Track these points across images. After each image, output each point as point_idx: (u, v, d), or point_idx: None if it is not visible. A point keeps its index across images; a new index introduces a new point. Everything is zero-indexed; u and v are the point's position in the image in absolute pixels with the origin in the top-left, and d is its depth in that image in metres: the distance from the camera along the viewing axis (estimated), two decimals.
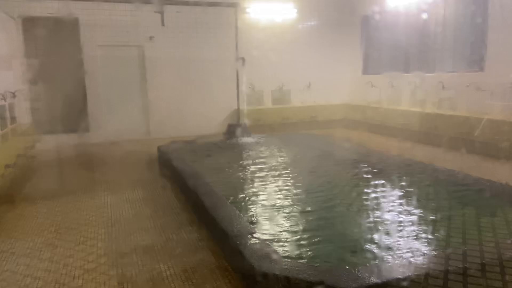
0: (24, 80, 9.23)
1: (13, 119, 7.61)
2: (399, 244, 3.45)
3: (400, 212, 4.25)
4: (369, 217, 4.18)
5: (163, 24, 9.47)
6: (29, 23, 9.45)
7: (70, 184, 6.69)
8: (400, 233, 3.72)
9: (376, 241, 3.53)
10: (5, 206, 5.40)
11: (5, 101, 7.11)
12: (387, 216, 4.17)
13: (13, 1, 8.66)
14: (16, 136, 7.57)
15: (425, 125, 8.71)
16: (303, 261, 3.22)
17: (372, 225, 3.94)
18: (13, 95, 7.75)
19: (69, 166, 8.08)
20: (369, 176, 5.70)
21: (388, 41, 10.74)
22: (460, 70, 8.75)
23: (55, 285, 3.25)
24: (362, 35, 11.94)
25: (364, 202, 4.68)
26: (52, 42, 9.47)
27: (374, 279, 2.49)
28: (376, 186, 5.24)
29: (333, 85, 12.32)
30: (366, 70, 12.12)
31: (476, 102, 8.01)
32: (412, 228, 3.84)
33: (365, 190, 5.06)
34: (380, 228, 3.86)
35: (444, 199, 4.58)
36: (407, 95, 9.91)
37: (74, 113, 10.12)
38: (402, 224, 3.91)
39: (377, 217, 4.13)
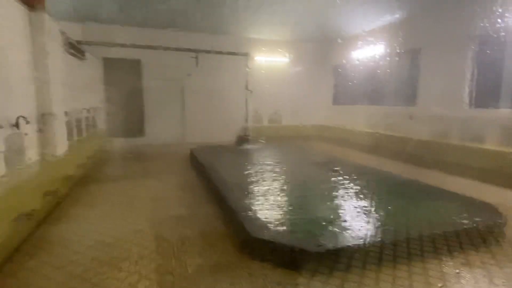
0: (103, 100, 10.44)
1: (94, 126, 8.86)
2: None
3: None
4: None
5: (197, 66, 10.50)
6: (107, 62, 10.78)
7: (129, 171, 7.18)
8: None
9: None
10: (80, 186, 5.84)
11: (91, 113, 8.43)
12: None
13: (98, 48, 9.51)
14: (96, 137, 8.79)
15: (379, 143, 9.29)
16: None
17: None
18: (95, 110, 8.94)
19: (129, 160, 8.78)
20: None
21: (350, 82, 11.65)
22: (400, 105, 9.46)
23: (111, 239, 3.64)
24: (333, 77, 13.07)
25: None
26: (122, 75, 10.82)
27: None
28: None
29: (312, 111, 13.25)
30: (335, 102, 13.12)
31: (410, 127, 8.77)
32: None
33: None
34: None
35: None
36: (363, 120, 10.74)
37: (134, 123, 11.30)
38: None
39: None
